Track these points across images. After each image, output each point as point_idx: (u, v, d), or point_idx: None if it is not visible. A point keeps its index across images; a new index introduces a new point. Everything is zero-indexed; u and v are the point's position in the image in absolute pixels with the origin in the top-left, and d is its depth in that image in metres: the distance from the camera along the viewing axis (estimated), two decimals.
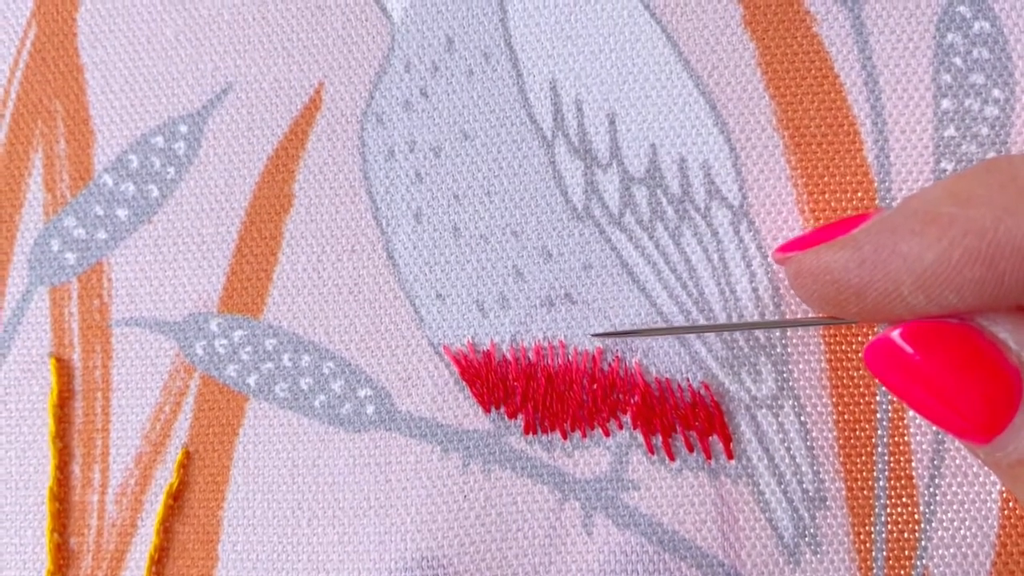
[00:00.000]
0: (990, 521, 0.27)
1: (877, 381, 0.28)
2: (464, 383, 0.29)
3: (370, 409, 0.30)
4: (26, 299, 0.31)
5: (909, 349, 0.21)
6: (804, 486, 0.28)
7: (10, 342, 0.31)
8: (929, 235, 0.20)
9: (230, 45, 0.31)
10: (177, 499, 0.30)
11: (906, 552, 0.27)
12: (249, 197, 0.31)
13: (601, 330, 0.29)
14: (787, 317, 0.28)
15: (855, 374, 0.28)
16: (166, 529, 0.30)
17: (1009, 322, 0.20)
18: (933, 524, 0.27)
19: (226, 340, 0.30)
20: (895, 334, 0.21)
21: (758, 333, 0.28)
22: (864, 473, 0.28)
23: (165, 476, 0.30)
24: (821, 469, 0.28)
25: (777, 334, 0.28)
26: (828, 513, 0.28)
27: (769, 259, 0.28)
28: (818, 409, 0.28)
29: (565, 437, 0.29)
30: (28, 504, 0.31)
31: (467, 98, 0.30)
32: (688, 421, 0.28)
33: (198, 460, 0.30)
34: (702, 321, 0.28)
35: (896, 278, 0.20)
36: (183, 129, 0.31)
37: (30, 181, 0.32)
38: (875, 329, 0.28)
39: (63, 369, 0.31)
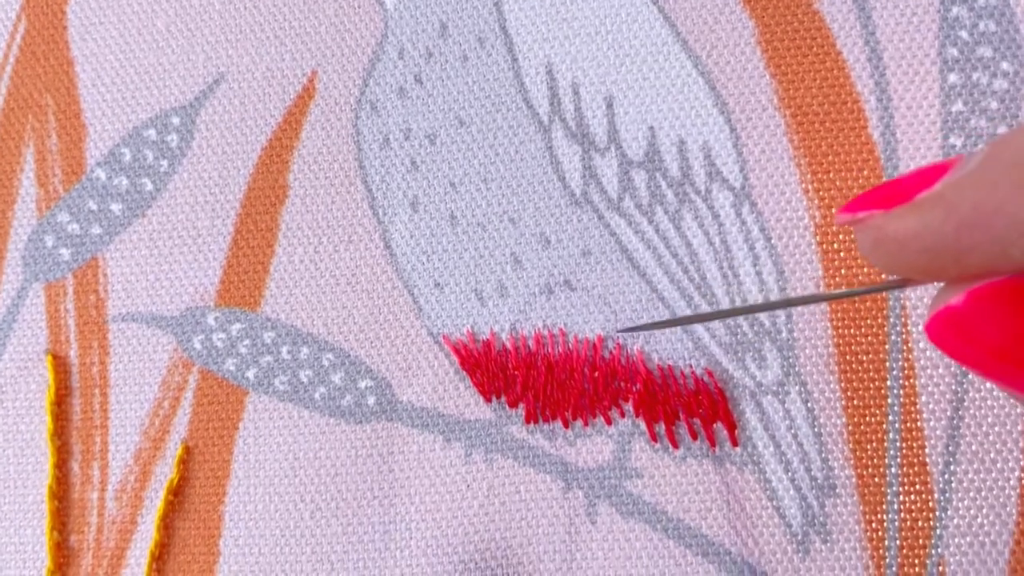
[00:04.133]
0: (1008, 509, 0.25)
1: (887, 365, 0.25)
2: (464, 373, 0.27)
3: (371, 400, 0.28)
4: (21, 296, 0.29)
5: (979, 317, 0.18)
6: (812, 474, 0.25)
7: (6, 340, 0.29)
8: None
9: (221, 35, 0.29)
10: (178, 495, 0.28)
11: (920, 541, 0.25)
12: (244, 188, 0.29)
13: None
14: (792, 299, 0.26)
15: (864, 358, 0.25)
16: (167, 525, 0.28)
17: None
18: (949, 512, 0.25)
19: (224, 334, 0.28)
20: (958, 300, 0.18)
21: (762, 317, 0.26)
22: (875, 460, 0.25)
23: (165, 472, 0.28)
24: (830, 456, 0.25)
25: (783, 319, 0.26)
26: (838, 501, 0.25)
27: (772, 242, 0.26)
28: (826, 395, 0.26)
29: (567, 426, 0.27)
30: (27, 502, 0.29)
31: (462, 84, 0.28)
32: (691, 408, 0.26)
33: (198, 455, 0.28)
34: (704, 307, 0.26)
35: (1004, 238, 0.17)
36: (176, 121, 0.29)
37: (22, 177, 0.30)
38: (887, 301, 0.25)
39: (60, 366, 0.29)
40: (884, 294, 0.25)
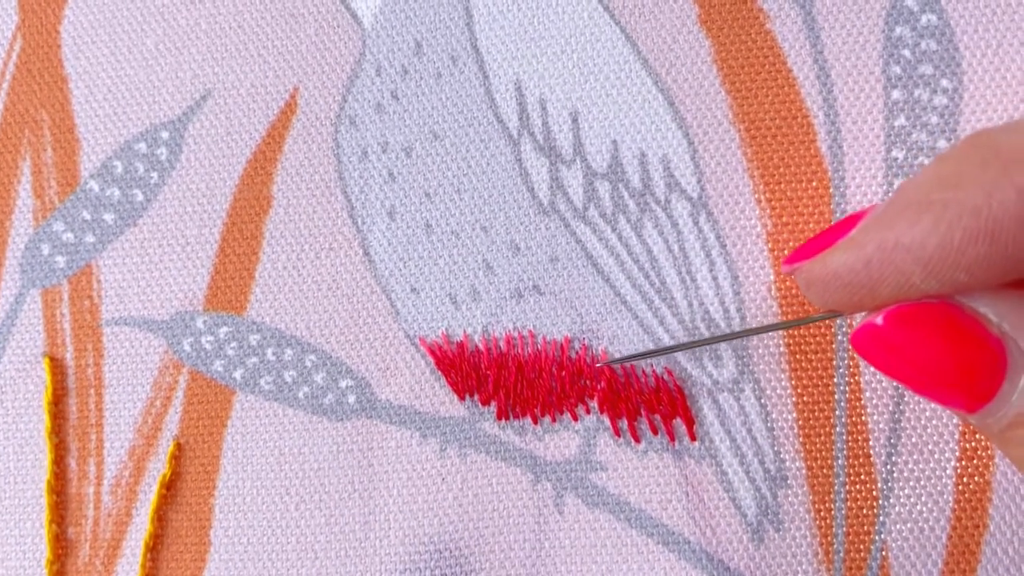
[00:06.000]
0: (945, 496, 0.25)
1: (834, 364, 0.26)
2: (439, 372, 0.28)
3: (351, 399, 0.28)
4: (19, 301, 0.30)
5: (894, 333, 0.20)
6: (766, 466, 0.26)
7: (5, 343, 0.29)
8: (926, 223, 0.18)
9: (208, 53, 0.29)
10: (170, 489, 0.28)
11: (865, 527, 0.25)
12: (230, 199, 0.29)
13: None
14: (746, 303, 0.26)
15: (813, 357, 0.26)
16: (160, 517, 0.28)
17: (988, 296, 0.19)
18: (891, 500, 0.25)
19: (212, 337, 0.28)
20: (879, 319, 0.20)
21: (718, 319, 0.26)
22: (824, 452, 0.26)
23: (158, 467, 0.28)
24: (782, 449, 0.26)
25: (737, 321, 0.26)
26: (789, 492, 0.26)
27: (727, 248, 0.26)
28: (777, 392, 0.26)
29: (536, 422, 0.27)
30: (27, 497, 0.29)
31: (436, 100, 0.28)
32: (652, 405, 0.26)
33: (189, 451, 0.28)
34: (665, 310, 0.26)
35: (904, 269, 0.19)
36: (165, 135, 0.29)
37: (19, 188, 0.30)
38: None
39: (57, 368, 0.29)
40: None
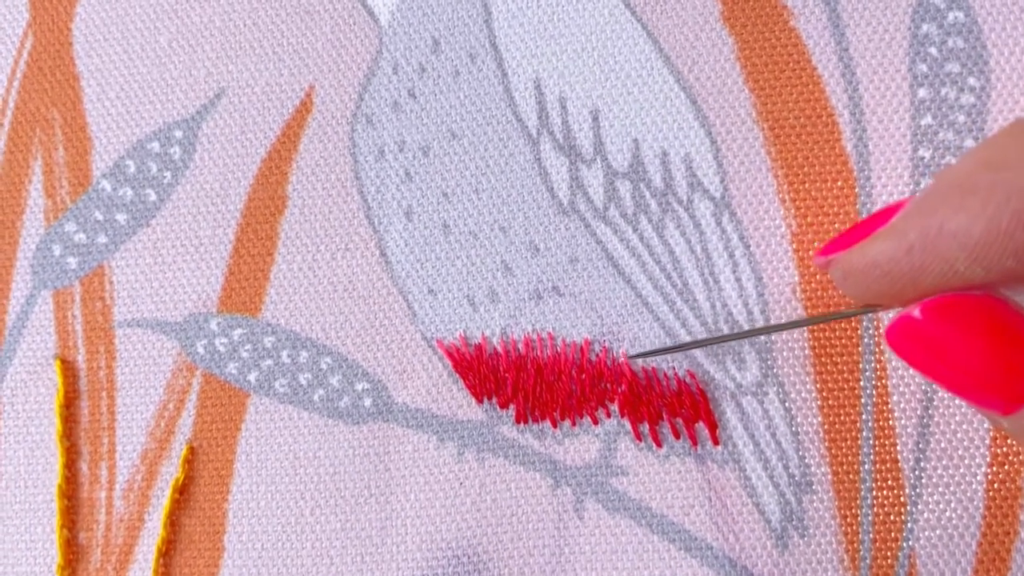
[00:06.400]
0: (975, 502, 0.25)
1: (860, 367, 0.25)
2: (457, 375, 0.27)
3: (368, 402, 0.27)
4: (30, 303, 0.29)
5: (932, 326, 0.19)
6: (790, 471, 0.25)
7: (16, 345, 0.29)
8: (973, 207, 0.17)
9: (222, 51, 0.29)
10: (183, 493, 0.28)
11: (892, 534, 0.25)
12: (244, 199, 0.28)
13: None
14: (770, 305, 0.26)
15: (839, 360, 0.25)
16: (173, 522, 0.28)
17: None
18: (919, 506, 0.25)
19: (226, 339, 0.28)
20: (916, 311, 0.19)
21: (741, 321, 0.26)
22: (849, 457, 0.25)
23: (171, 471, 0.28)
24: (807, 454, 0.25)
25: (760, 323, 0.26)
26: (815, 497, 0.25)
27: (751, 249, 0.26)
28: (802, 395, 0.26)
29: (555, 426, 0.27)
30: (38, 501, 0.28)
31: (454, 98, 0.28)
32: (674, 408, 0.26)
33: (202, 455, 0.28)
34: (687, 312, 0.26)
35: (949, 257, 0.18)
36: (178, 134, 0.29)
37: (30, 188, 0.29)
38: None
39: (68, 370, 0.29)
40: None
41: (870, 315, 0.25)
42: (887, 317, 0.25)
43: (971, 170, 0.18)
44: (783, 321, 0.26)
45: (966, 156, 0.19)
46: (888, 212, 0.20)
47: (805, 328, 0.26)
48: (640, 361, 0.26)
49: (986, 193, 0.17)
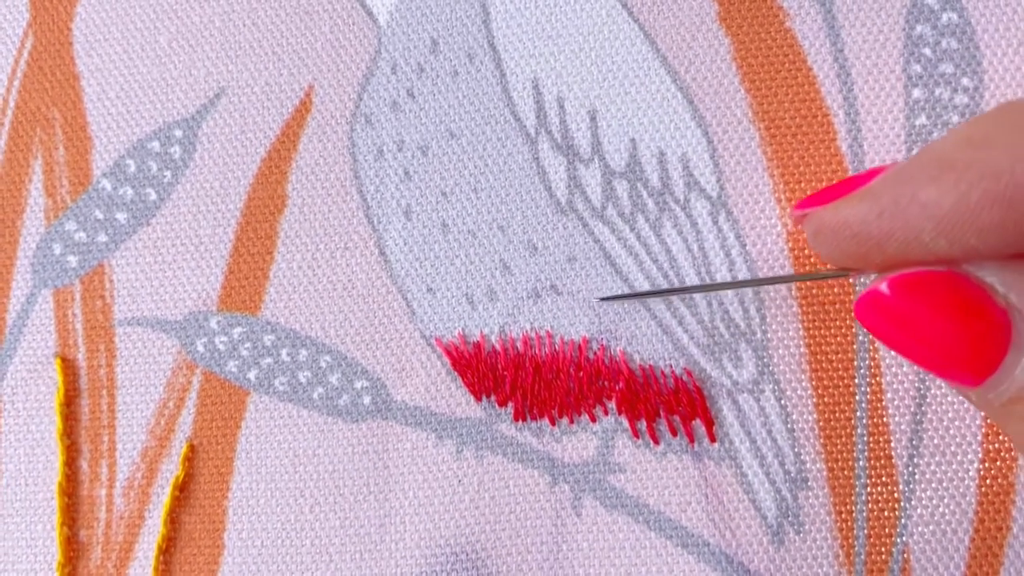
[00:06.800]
0: (968, 499, 0.25)
1: (855, 364, 0.25)
2: (456, 373, 0.27)
3: (367, 400, 0.27)
4: (31, 302, 0.29)
5: (898, 301, 0.19)
6: (786, 467, 0.25)
7: (16, 344, 0.29)
8: (947, 181, 0.18)
9: (222, 51, 0.29)
10: (183, 491, 0.28)
11: (887, 530, 0.25)
12: (244, 198, 0.28)
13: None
14: (766, 302, 0.26)
15: (834, 357, 0.26)
16: (173, 520, 0.28)
17: (995, 266, 0.19)
18: (912, 502, 0.25)
19: (226, 337, 0.28)
20: (883, 286, 0.19)
21: (738, 320, 0.26)
22: (845, 454, 0.25)
23: (171, 469, 0.28)
24: (802, 451, 0.25)
25: (757, 321, 0.26)
26: (810, 494, 0.25)
27: (747, 248, 0.26)
28: (798, 392, 0.26)
29: (553, 423, 0.27)
30: (38, 499, 0.28)
31: (452, 98, 0.28)
32: (671, 406, 0.26)
33: (202, 453, 0.28)
34: (684, 310, 0.26)
35: (916, 225, 0.18)
36: (178, 133, 0.29)
37: (31, 187, 0.29)
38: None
39: (68, 369, 0.29)
40: (853, 299, 0.25)
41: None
42: None
43: (953, 145, 0.18)
44: (776, 324, 0.26)
45: (952, 131, 0.19)
46: (869, 175, 0.21)
47: (801, 327, 0.26)
48: (637, 359, 0.26)
49: (962, 169, 0.18)
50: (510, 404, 0.27)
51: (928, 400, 0.25)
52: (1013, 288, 0.18)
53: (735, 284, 0.25)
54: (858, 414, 0.25)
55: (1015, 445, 0.21)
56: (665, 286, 0.26)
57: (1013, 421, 0.19)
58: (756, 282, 0.25)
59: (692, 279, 0.26)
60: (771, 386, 0.26)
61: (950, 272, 0.19)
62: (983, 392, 0.19)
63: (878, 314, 0.20)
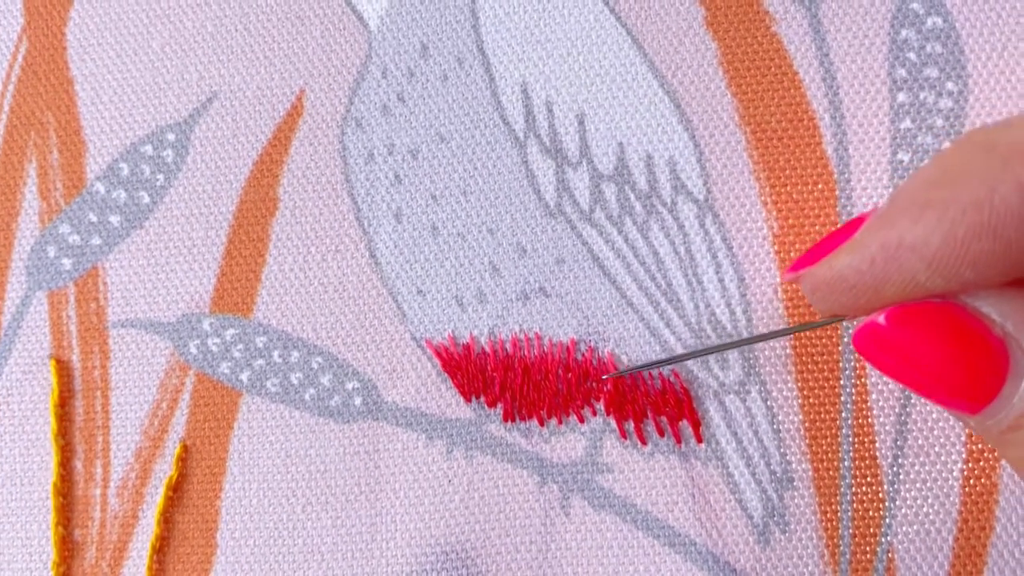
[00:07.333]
0: (952, 498, 0.25)
1: (840, 365, 0.25)
2: (446, 374, 0.27)
3: (358, 401, 0.28)
4: (25, 304, 0.29)
5: (896, 332, 0.20)
6: (772, 468, 0.26)
7: (11, 345, 0.29)
8: (929, 220, 0.18)
9: (214, 56, 0.29)
10: (176, 491, 0.28)
11: (871, 530, 0.25)
12: (236, 201, 0.28)
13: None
14: (752, 305, 0.26)
15: (819, 359, 0.26)
16: (166, 520, 0.28)
17: (992, 296, 0.19)
18: (897, 502, 0.25)
19: (219, 339, 0.28)
20: (880, 319, 0.20)
21: (724, 322, 0.26)
22: (830, 454, 0.25)
23: (164, 469, 0.28)
24: (788, 451, 0.26)
25: (743, 323, 0.26)
26: (796, 493, 0.26)
27: (733, 251, 0.26)
28: (784, 394, 0.26)
29: (542, 424, 0.27)
30: (33, 499, 0.29)
31: (442, 102, 0.28)
32: (658, 407, 0.26)
33: (195, 453, 0.28)
34: (671, 312, 0.26)
35: (909, 268, 0.19)
36: (171, 137, 0.29)
37: (25, 190, 0.29)
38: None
39: (63, 370, 0.29)
40: None
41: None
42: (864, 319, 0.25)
43: (928, 184, 0.19)
44: (762, 326, 0.26)
45: (922, 169, 0.19)
46: (852, 226, 0.21)
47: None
48: (625, 360, 0.26)
49: (942, 207, 0.18)
50: (499, 405, 0.27)
51: (912, 401, 0.25)
52: (1010, 318, 0.19)
53: (733, 344, 0.25)
54: (843, 415, 0.26)
55: (1015, 471, 0.21)
56: (652, 289, 0.26)
57: (1012, 447, 0.19)
58: (758, 338, 0.25)
59: (679, 282, 0.26)
60: (757, 387, 0.26)
61: (946, 303, 0.19)
62: (982, 419, 0.19)
63: (876, 346, 0.20)
